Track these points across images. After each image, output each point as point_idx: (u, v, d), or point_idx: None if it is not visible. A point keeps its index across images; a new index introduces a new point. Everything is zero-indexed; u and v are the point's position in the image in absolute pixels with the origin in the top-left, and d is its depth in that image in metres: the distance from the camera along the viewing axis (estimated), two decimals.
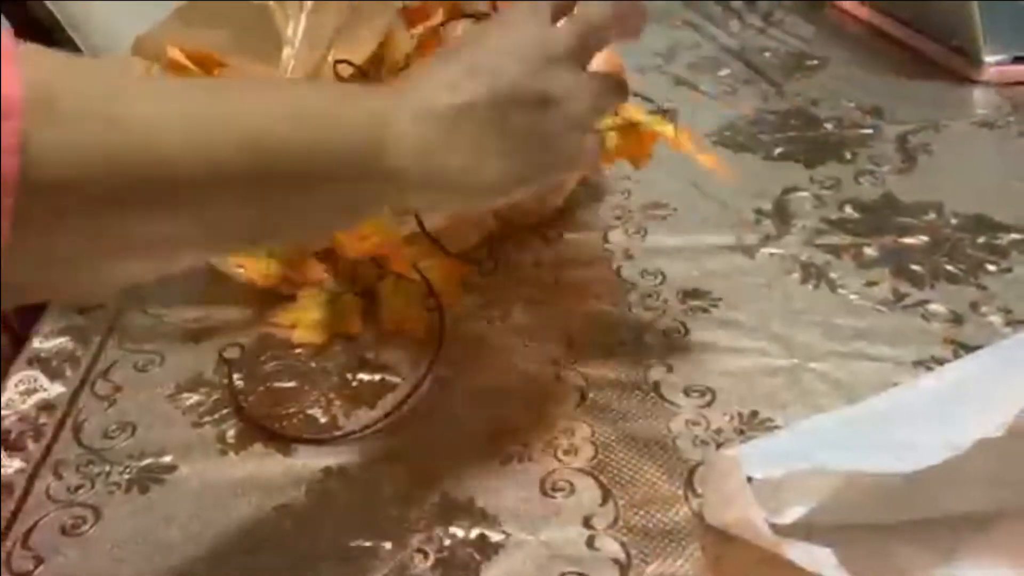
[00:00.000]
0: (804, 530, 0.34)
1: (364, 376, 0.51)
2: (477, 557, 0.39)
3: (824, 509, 0.35)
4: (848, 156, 0.71)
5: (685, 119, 0.52)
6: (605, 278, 0.57)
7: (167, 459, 0.45)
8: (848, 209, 0.63)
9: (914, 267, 0.56)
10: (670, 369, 0.49)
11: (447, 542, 0.40)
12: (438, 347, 0.51)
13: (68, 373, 0.52)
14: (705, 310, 0.54)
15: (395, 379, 0.50)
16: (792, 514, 0.35)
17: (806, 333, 0.51)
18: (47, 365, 0.53)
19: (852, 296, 0.54)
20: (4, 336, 0.59)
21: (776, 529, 0.34)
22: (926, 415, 0.41)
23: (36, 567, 0.40)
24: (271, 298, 0.56)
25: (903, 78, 0.86)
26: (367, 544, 0.40)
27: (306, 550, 0.40)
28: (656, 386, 0.48)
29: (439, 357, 0.50)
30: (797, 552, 0.33)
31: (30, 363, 0.53)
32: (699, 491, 0.41)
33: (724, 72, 0.90)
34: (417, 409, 0.48)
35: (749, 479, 0.35)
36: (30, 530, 0.42)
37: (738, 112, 0.80)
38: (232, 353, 0.53)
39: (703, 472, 0.42)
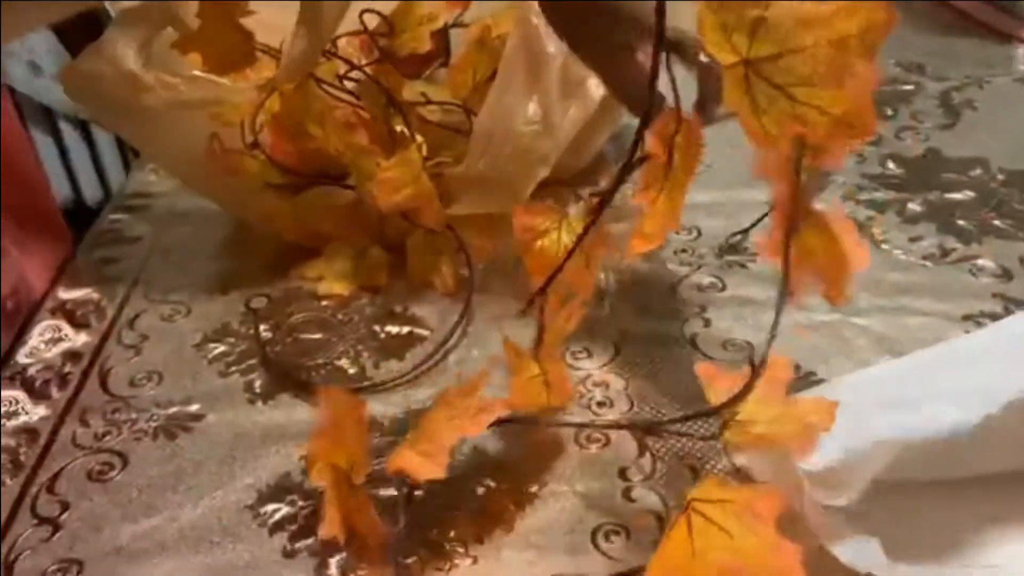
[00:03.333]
0: (833, 484, 0.33)
1: (392, 328, 0.50)
2: (512, 508, 0.38)
3: None
4: (889, 112, 0.69)
5: None
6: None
7: (194, 407, 0.45)
8: (890, 164, 0.61)
9: (960, 222, 0.54)
10: (707, 323, 0.48)
11: (480, 491, 0.39)
12: (467, 301, 0.50)
13: (93, 323, 0.51)
14: (743, 265, 0.52)
15: (424, 332, 0.49)
16: (823, 462, 0.33)
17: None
18: (71, 315, 0.52)
19: (896, 251, 0.52)
20: None
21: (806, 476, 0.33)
22: (975, 368, 0.39)
23: (62, 512, 0.39)
24: (297, 251, 0.55)
25: (946, 36, 0.83)
26: (397, 493, 0.39)
27: None
28: (692, 340, 0.47)
29: (468, 311, 0.49)
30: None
31: (53, 313, 0.53)
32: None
33: None
34: (446, 362, 0.47)
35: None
36: (56, 476, 0.41)
37: None
38: (259, 304, 0.52)
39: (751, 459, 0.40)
